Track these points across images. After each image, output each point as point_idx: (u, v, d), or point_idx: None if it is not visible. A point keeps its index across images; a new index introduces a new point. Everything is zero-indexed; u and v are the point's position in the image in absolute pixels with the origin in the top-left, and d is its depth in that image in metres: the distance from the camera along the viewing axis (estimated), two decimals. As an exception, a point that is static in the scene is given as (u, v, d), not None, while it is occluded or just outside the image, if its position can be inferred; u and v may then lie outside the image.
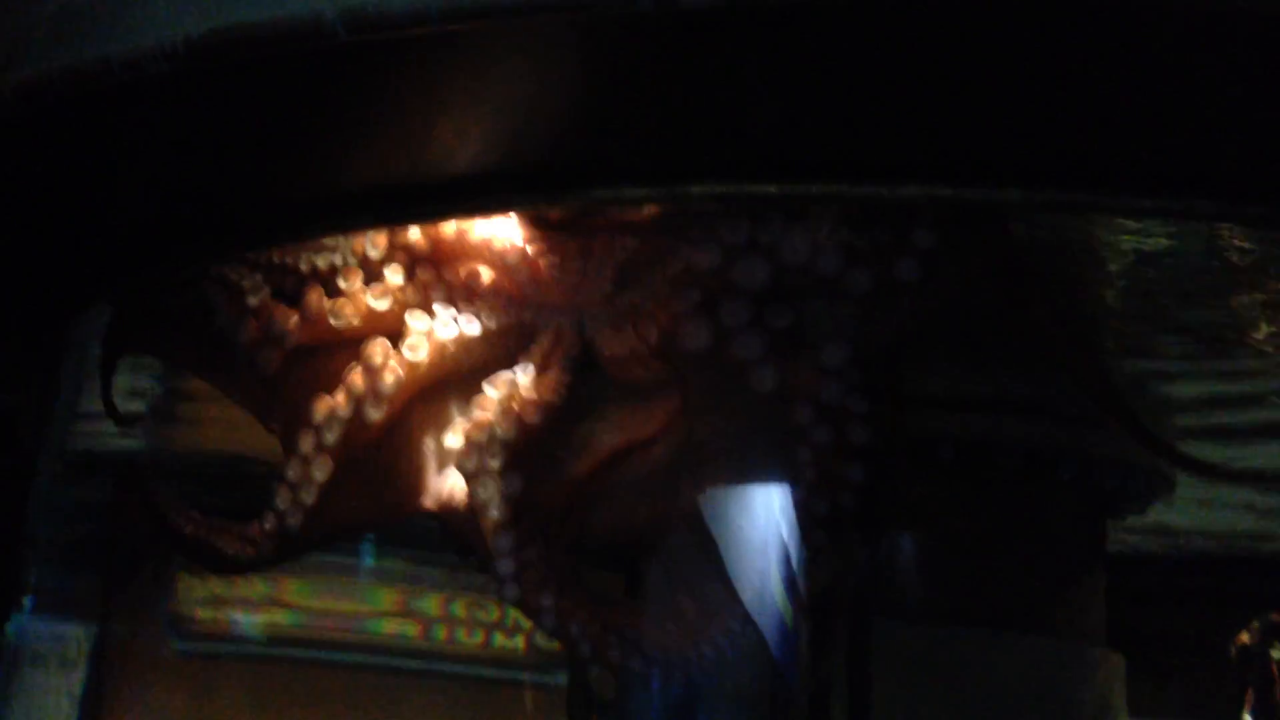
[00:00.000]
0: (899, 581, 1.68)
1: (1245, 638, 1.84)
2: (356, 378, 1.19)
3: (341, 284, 1.23)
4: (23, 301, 1.52)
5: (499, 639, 2.79)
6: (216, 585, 2.73)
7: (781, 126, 1.02)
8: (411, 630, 2.85)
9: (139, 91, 0.92)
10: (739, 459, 1.13)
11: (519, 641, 2.83)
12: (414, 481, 1.21)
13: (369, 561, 2.85)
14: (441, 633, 2.84)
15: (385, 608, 2.84)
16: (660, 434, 1.13)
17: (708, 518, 1.29)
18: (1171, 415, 1.82)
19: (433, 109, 1.07)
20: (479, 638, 2.83)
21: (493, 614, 2.78)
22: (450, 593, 2.80)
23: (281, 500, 1.21)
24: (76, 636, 2.59)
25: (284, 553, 1.25)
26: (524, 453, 1.14)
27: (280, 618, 2.78)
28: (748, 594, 1.19)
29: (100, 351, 1.42)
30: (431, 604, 2.84)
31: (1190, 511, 2.05)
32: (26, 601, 2.35)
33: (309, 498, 1.21)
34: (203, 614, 2.73)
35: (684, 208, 1.13)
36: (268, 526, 1.21)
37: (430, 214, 1.16)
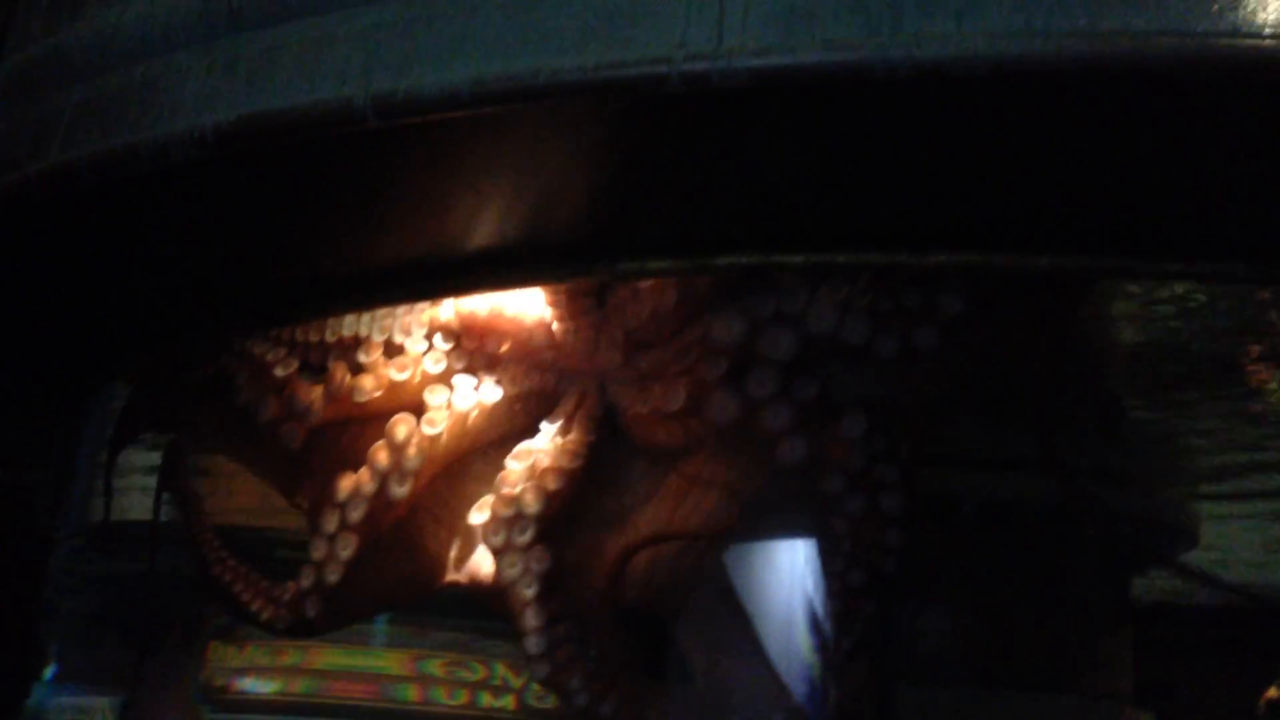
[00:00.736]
0: (923, 644, 1.65)
1: (1274, 693, 1.80)
2: (381, 454, 1.17)
3: (363, 358, 1.21)
4: (43, 378, 1.51)
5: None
6: (249, 655, 2.70)
7: (807, 198, 1.00)
8: (453, 695, 2.81)
9: (166, 177, 0.90)
10: (770, 531, 1.10)
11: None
12: (442, 556, 1.18)
13: (382, 627, 2.81)
14: (485, 698, 2.79)
15: (410, 673, 2.79)
16: (706, 528, 1.10)
17: (741, 592, 1.27)
18: (1194, 461, 1.79)
19: (459, 188, 1.05)
20: (507, 700, 2.78)
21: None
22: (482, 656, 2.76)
23: (306, 579, 1.19)
24: (102, 708, 2.56)
25: (305, 631, 1.23)
26: (553, 528, 1.11)
27: (310, 685, 2.74)
28: (784, 667, 1.16)
29: (112, 432, 1.41)
30: (479, 670, 2.80)
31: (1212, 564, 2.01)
32: (48, 672, 2.31)
33: (334, 577, 1.18)
34: (237, 684, 2.70)
35: (709, 279, 1.11)
36: (289, 600, 1.19)
37: (456, 289, 1.14)
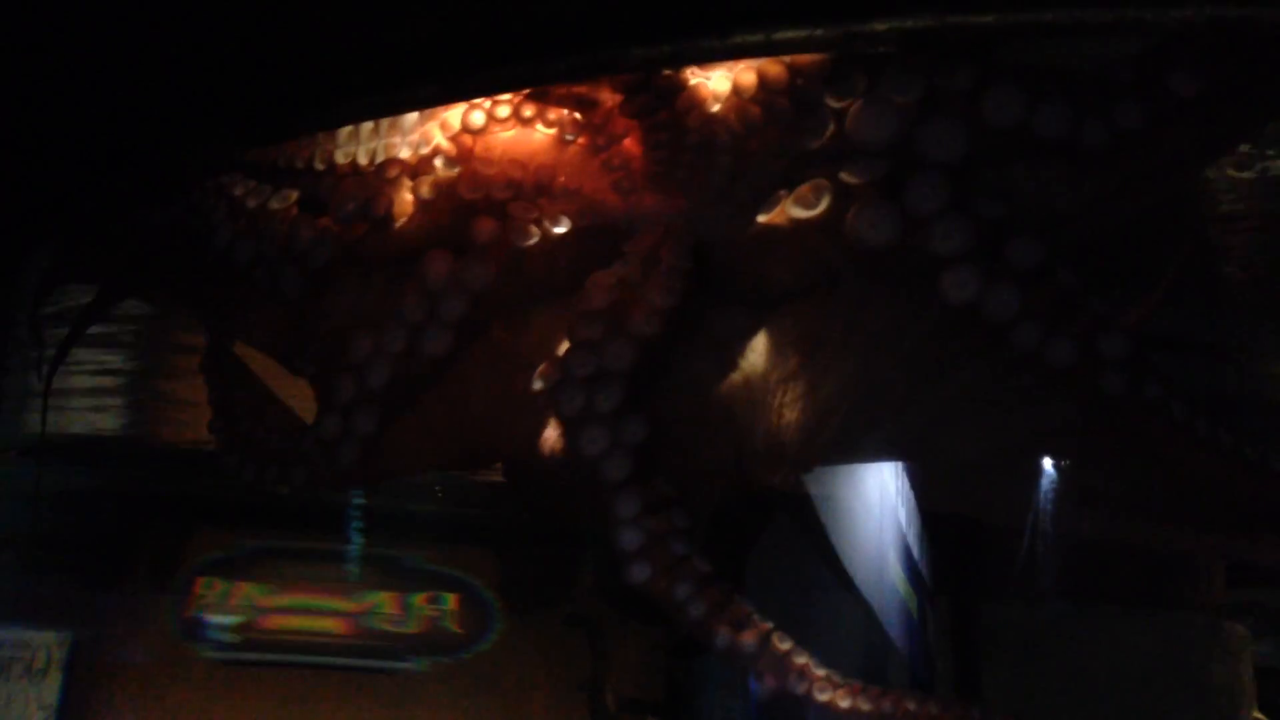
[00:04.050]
0: (1015, 561, 1.40)
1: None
2: (411, 300, 0.87)
3: (387, 175, 0.90)
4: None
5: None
6: (245, 592, 2.46)
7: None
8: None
9: None
10: (940, 392, 0.81)
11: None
12: (492, 427, 0.89)
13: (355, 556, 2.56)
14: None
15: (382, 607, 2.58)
16: (843, 391, 0.81)
17: (829, 525, 1.01)
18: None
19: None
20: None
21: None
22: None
23: (314, 457, 0.90)
24: (47, 643, 2.28)
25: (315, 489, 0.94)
26: (646, 386, 0.82)
27: (302, 623, 2.50)
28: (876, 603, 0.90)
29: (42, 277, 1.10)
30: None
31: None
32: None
33: (350, 456, 0.89)
34: (230, 620, 2.46)
35: (849, 54, 0.82)
36: (298, 481, 0.90)
37: (515, 80, 0.84)
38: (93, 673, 2.34)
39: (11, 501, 1.78)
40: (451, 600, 2.59)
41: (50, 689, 2.29)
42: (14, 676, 2.26)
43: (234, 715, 2.42)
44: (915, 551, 1.28)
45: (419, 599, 2.62)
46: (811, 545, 1.16)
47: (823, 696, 0.78)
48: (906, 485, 1.15)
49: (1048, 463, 1.12)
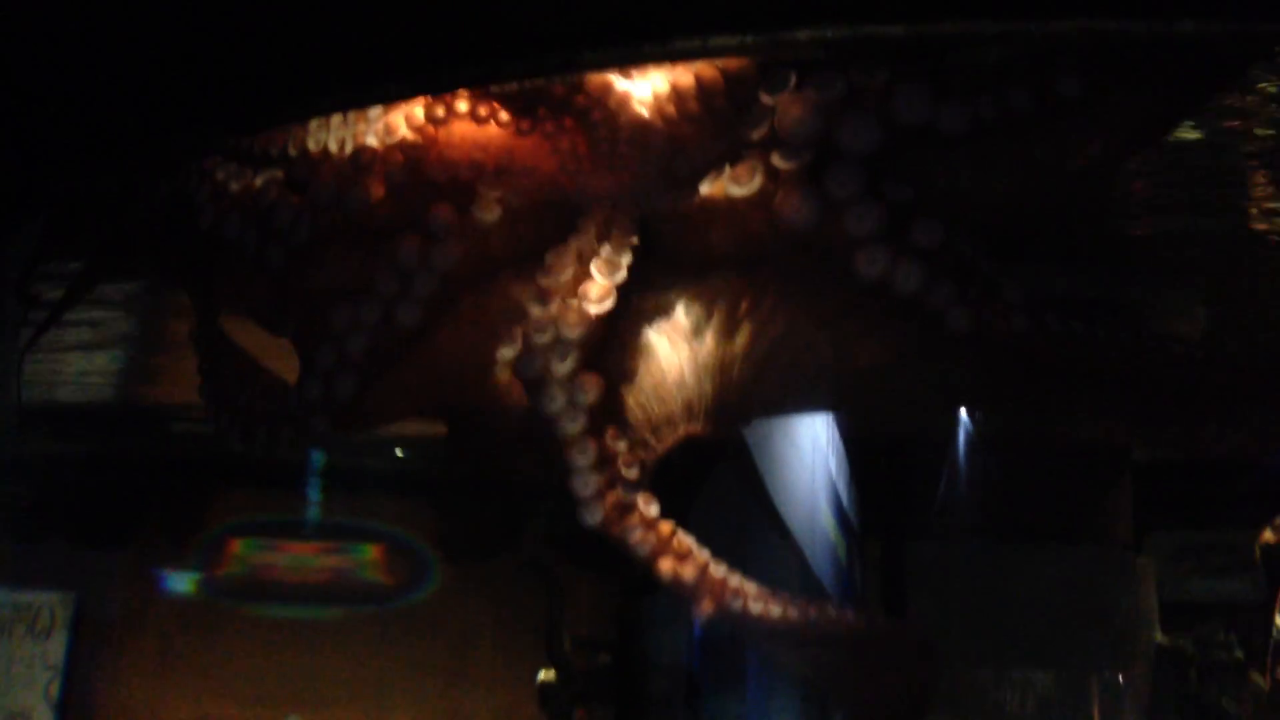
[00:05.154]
0: (936, 500, 1.49)
1: (1269, 536, 1.68)
2: (385, 277, 0.94)
3: (351, 164, 0.97)
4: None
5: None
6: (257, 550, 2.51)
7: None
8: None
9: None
10: (859, 354, 0.89)
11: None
12: (462, 388, 0.96)
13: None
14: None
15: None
16: (777, 351, 0.90)
17: (764, 471, 1.09)
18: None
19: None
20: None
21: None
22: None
23: (298, 417, 0.97)
24: (50, 604, 2.32)
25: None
26: (598, 352, 0.90)
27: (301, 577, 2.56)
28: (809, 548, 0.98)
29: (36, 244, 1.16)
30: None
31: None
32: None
33: (328, 420, 0.96)
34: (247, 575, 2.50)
35: (774, 58, 0.89)
36: (284, 435, 0.97)
37: (478, 77, 0.91)
38: (99, 631, 2.38)
39: (6, 466, 1.84)
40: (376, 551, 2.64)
41: (56, 648, 2.33)
42: (16, 637, 2.30)
43: (233, 666, 2.47)
44: (845, 496, 1.36)
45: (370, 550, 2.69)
46: (751, 490, 1.24)
47: (756, 608, 0.86)
48: (837, 436, 1.22)
49: (962, 411, 1.21)
